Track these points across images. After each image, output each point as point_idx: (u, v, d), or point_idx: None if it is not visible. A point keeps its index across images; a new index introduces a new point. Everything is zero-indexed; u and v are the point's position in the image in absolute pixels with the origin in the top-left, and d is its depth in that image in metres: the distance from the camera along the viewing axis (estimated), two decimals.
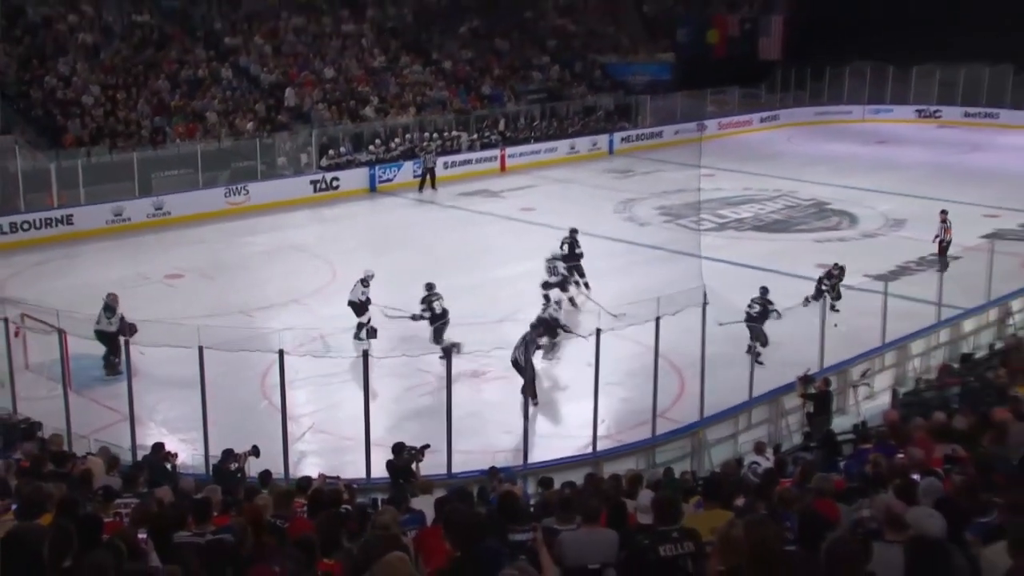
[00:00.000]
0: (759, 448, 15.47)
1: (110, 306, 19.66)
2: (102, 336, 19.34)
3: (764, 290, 21.00)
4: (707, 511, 8.77)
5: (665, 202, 34.80)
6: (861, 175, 38.17)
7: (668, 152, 43.60)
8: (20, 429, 15.56)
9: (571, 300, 23.09)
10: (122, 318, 19.46)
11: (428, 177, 36.96)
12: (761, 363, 18.97)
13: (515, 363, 18.15)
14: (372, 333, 20.60)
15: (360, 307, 20.77)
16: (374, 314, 20.88)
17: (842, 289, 22.27)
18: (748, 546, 6.10)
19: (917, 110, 50.57)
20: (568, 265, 23.37)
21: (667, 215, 33.22)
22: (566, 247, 23.93)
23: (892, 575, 5.68)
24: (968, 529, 7.30)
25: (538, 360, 18.96)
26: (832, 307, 21.22)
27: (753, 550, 6.06)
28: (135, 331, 19.12)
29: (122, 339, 18.45)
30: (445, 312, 20.56)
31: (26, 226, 29.53)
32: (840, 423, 17.54)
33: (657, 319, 16.73)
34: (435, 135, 40.14)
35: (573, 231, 24.33)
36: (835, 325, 19.65)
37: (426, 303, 20.58)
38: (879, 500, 8.34)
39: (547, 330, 19.77)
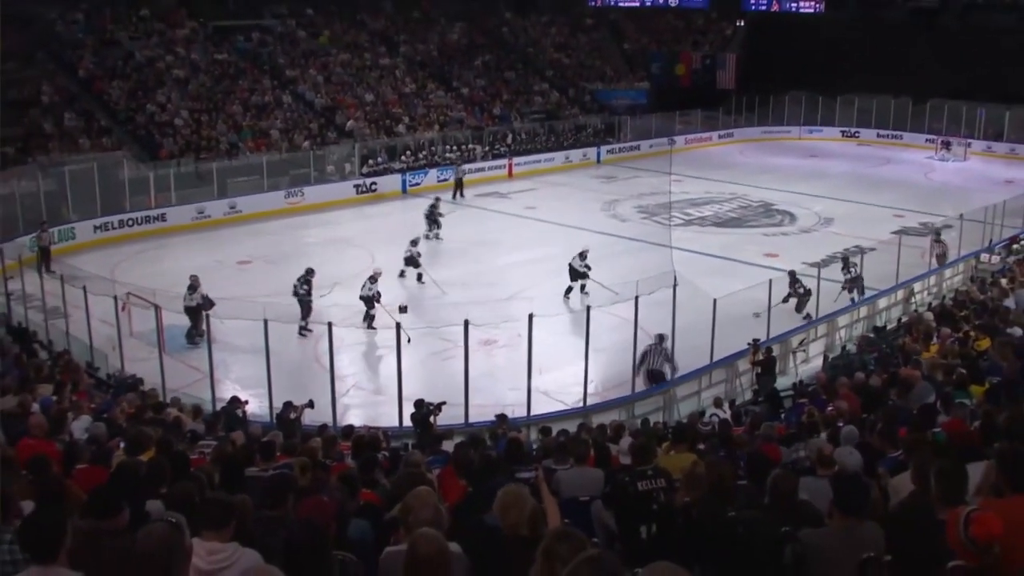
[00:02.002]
0: (717, 403, 15.48)
1: (193, 285, 19.73)
2: (188, 310, 19.39)
3: (792, 273, 21.26)
4: (676, 453, 8.76)
5: (642, 202, 34.68)
6: (799, 182, 38.01)
7: (644, 162, 43.36)
8: (127, 383, 15.66)
9: (582, 287, 22.77)
10: (203, 295, 19.52)
11: (459, 185, 36.54)
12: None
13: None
14: (371, 320, 20.39)
15: (369, 301, 20.56)
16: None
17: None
18: (708, 481, 6.11)
19: (842, 131, 50.34)
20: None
21: (644, 213, 33.11)
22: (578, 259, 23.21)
23: (821, 503, 5.71)
24: (880, 464, 7.35)
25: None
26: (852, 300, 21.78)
27: (712, 484, 6.07)
28: (213, 305, 19.21)
29: (204, 313, 18.58)
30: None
31: (130, 223, 29.53)
32: (782, 382, 17.55)
33: (636, 297, 16.75)
34: (455, 147, 40.04)
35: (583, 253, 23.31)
36: (756, 315, 19.56)
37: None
38: (812, 443, 8.36)
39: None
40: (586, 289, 22.49)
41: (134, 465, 7.17)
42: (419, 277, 23.86)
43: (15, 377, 12.30)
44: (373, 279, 20.79)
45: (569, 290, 22.63)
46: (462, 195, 36.00)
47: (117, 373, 16.90)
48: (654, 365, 17.34)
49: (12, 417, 9.81)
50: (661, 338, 17.33)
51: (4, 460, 6.80)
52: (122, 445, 9.12)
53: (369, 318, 20.36)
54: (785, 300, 21.03)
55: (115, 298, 17.61)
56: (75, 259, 25.43)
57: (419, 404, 14.47)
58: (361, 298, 20.59)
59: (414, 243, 24.28)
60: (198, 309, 19.20)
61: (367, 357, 19.03)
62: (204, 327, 18.44)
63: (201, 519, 4.81)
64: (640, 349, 17.25)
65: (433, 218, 28.61)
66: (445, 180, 37.41)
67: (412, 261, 23.92)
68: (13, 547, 4.75)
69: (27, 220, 26.16)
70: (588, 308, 16.67)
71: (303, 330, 20.17)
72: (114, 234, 28.97)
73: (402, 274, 23.95)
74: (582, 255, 22.79)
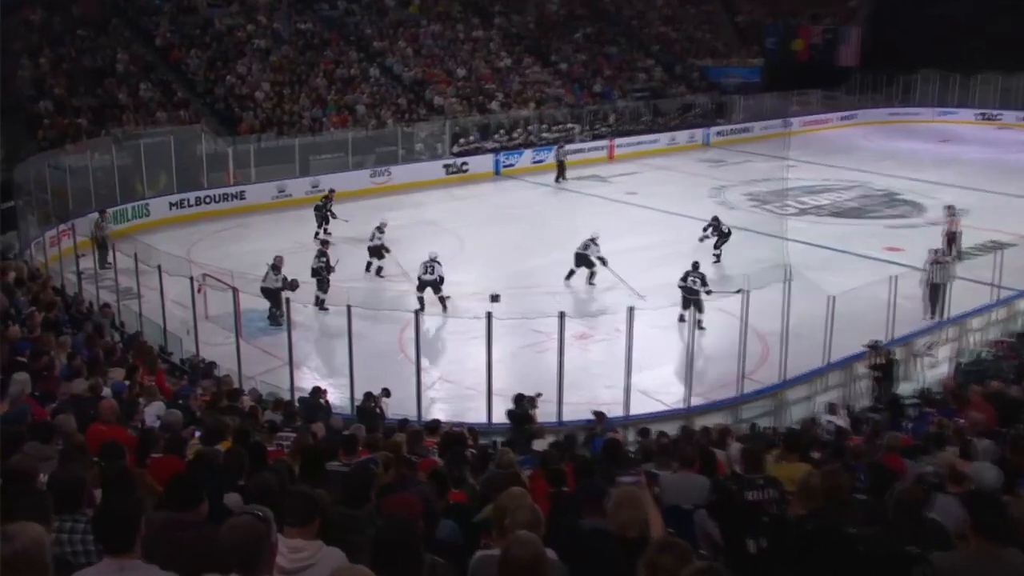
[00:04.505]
0: (832, 409, 15.22)
1: (276, 266, 20.08)
2: (267, 292, 19.71)
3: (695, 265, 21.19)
4: (787, 462, 8.62)
5: (753, 189, 34.20)
6: (928, 169, 36.94)
7: (756, 145, 42.78)
8: (201, 369, 16.01)
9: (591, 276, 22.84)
10: (285, 277, 19.86)
11: (560, 168, 36.49)
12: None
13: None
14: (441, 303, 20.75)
15: (434, 285, 20.73)
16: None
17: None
18: (825, 493, 6.01)
19: (979, 113, 48.90)
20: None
21: (755, 200, 32.65)
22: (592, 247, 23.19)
23: (950, 522, 5.55)
24: (1020, 484, 7.12)
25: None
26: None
27: (829, 496, 5.97)
28: (297, 286, 19.52)
29: (284, 295, 18.88)
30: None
31: (208, 200, 30.21)
32: (905, 389, 17.14)
33: (745, 292, 16.53)
34: (554, 127, 40.00)
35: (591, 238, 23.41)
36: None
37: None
38: (942, 457, 8.15)
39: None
40: (593, 280, 22.64)
41: (213, 455, 7.33)
42: (378, 270, 23.75)
43: (85, 359, 12.53)
44: (430, 268, 20.90)
45: (571, 274, 22.74)
46: (564, 178, 35.95)
47: (192, 358, 17.30)
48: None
49: (83, 401, 10.00)
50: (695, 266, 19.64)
51: (75, 446, 6.98)
52: (197, 434, 9.34)
53: (442, 301, 20.62)
54: (701, 240, 24.01)
55: (191, 279, 18.01)
56: (149, 237, 25.95)
57: (519, 399, 14.44)
58: (427, 283, 20.78)
59: (380, 230, 23.94)
60: (278, 292, 19.53)
61: (455, 348, 19.14)
62: (284, 309, 18.78)
63: (284, 514, 4.87)
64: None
65: (323, 214, 27.15)
66: (540, 162, 37.48)
67: (377, 251, 23.70)
68: (87, 537, 4.86)
69: (100, 195, 26.81)
70: (695, 303, 16.49)
71: (321, 306, 20.64)
72: (190, 212, 29.69)
73: (369, 267, 23.82)
74: (595, 241, 22.76)
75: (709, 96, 48.10)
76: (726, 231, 24.96)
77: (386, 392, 15.08)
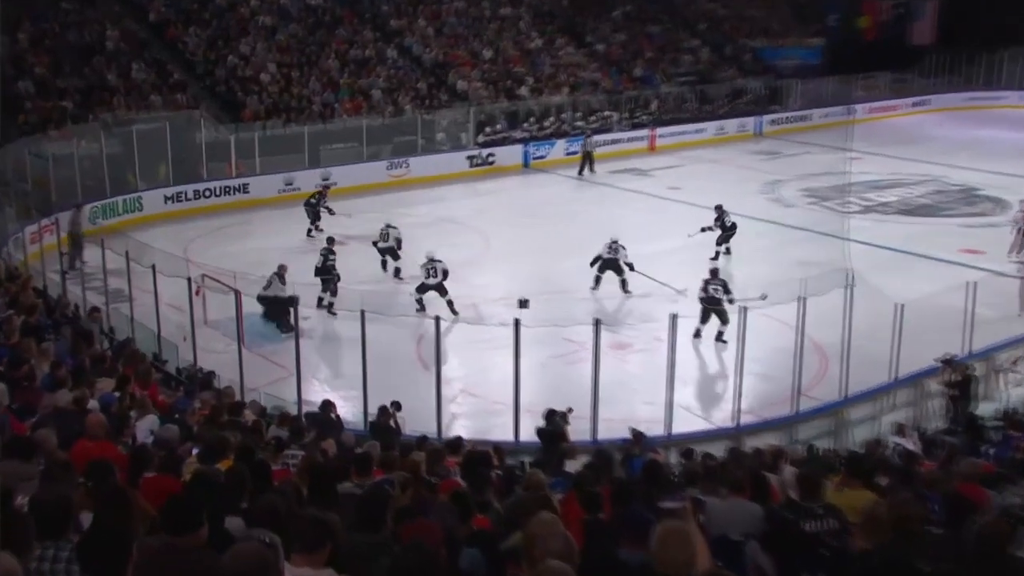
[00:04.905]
0: (901, 430, 15.10)
1: (282, 275, 20.19)
2: (270, 302, 19.79)
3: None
4: (849, 489, 8.57)
5: (811, 184, 34.10)
6: (1013, 161, 36.36)
7: (816, 135, 42.64)
8: (199, 379, 16.07)
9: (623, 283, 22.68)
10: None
11: (587, 160, 36.58)
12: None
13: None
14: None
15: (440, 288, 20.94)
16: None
17: None
18: (893, 525, 5.97)
19: None
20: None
21: (813, 197, 32.54)
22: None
23: None
24: None
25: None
26: None
27: (899, 529, 5.93)
28: (297, 302, 19.52)
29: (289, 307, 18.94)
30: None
31: (207, 193, 30.46)
32: (985, 409, 16.97)
33: (802, 299, 16.46)
34: (589, 117, 40.02)
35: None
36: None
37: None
38: None
39: None
40: (627, 288, 22.55)
41: (212, 474, 7.37)
42: (396, 270, 23.84)
43: (70, 368, 12.46)
44: (432, 270, 21.03)
45: (598, 282, 22.67)
46: (592, 170, 36.02)
47: (189, 367, 17.36)
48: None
49: (67, 415, 9.94)
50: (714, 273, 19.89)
51: (59, 465, 7.00)
52: (195, 451, 9.38)
53: (450, 305, 20.68)
54: (703, 231, 24.66)
55: (188, 280, 18.10)
56: (142, 234, 25.95)
57: (550, 416, 14.43)
58: (430, 287, 20.91)
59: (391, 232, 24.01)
60: (284, 303, 19.59)
61: (479, 357, 19.16)
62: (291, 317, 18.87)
63: (291, 539, 4.89)
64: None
65: (315, 210, 27.33)
66: (574, 153, 37.54)
67: (391, 251, 23.81)
68: (71, 566, 4.85)
69: (87, 187, 26.97)
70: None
71: (329, 309, 20.89)
72: (188, 206, 29.92)
73: (386, 266, 23.93)
74: (621, 244, 22.70)
75: (762, 80, 47.92)
76: (730, 224, 25.18)
77: (397, 405, 15.10)
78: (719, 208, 25.38)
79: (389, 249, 23.66)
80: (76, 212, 24.49)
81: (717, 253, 24.66)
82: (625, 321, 20.49)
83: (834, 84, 47.52)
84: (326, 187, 28.24)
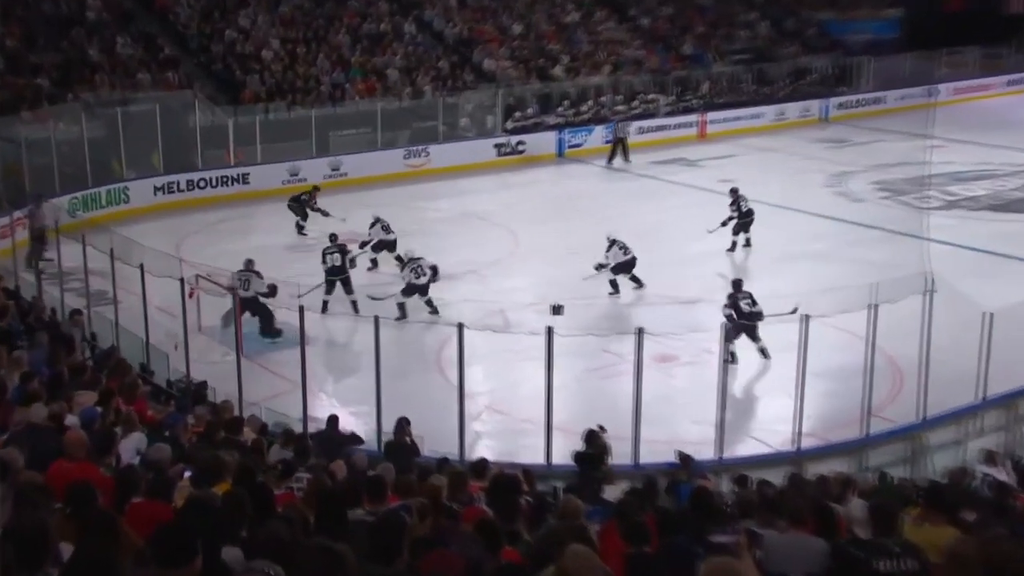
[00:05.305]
0: (991, 458, 14.93)
1: (256, 271, 20.30)
2: (254, 303, 19.88)
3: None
4: (930, 525, 8.52)
5: (885, 176, 33.95)
6: None
7: (891, 120, 42.53)
8: (192, 392, 16.13)
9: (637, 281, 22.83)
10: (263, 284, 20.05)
11: (620, 147, 36.61)
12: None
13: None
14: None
15: (423, 289, 21.00)
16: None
17: None
18: (983, 567, 5.92)
19: None
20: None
21: (887, 191, 32.40)
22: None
23: None
24: None
25: None
26: None
27: (989, 570, 5.87)
28: (276, 291, 19.53)
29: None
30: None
31: (203, 184, 30.73)
32: None
33: (873, 306, 16.36)
34: (632, 101, 39.99)
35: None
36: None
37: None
38: None
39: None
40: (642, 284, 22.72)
41: (208, 499, 7.39)
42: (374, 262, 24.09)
43: (45, 379, 12.48)
44: (420, 270, 21.11)
45: (615, 287, 22.68)
46: (627, 159, 36.11)
47: (181, 378, 17.43)
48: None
49: (42, 432, 9.93)
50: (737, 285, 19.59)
51: (33, 489, 7.02)
52: (187, 474, 9.41)
53: (430, 304, 20.83)
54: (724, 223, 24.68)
55: (181, 281, 18.10)
56: (129, 229, 25.86)
57: (591, 437, 14.32)
58: (417, 288, 21.01)
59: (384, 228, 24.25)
60: (256, 300, 19.78)
61: (506, 370, 19.18)
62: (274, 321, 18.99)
63: (296, 572, 4.89)
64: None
65: (302, 209, 27.50)
66: (611, 143, 37.44)
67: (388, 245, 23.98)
68: None
69: (65, 175, 27.16)
70: (805, 318, 16.26)
71: (354, 307, 20.98)
72: (180, 198, 30.17)
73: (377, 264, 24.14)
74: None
75: (829, 58, 47.90)
76: (746, 210, 25.26)
77: (406, 421, 15.10)
78: (734, 192, 25.66)
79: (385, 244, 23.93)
80: (35, 207, 24.37)
81: (733, 243, 24.86)
82: (671, 330, 20.45)
83: (913, 61, 47.30)
84: (316, 188, 28.25)
